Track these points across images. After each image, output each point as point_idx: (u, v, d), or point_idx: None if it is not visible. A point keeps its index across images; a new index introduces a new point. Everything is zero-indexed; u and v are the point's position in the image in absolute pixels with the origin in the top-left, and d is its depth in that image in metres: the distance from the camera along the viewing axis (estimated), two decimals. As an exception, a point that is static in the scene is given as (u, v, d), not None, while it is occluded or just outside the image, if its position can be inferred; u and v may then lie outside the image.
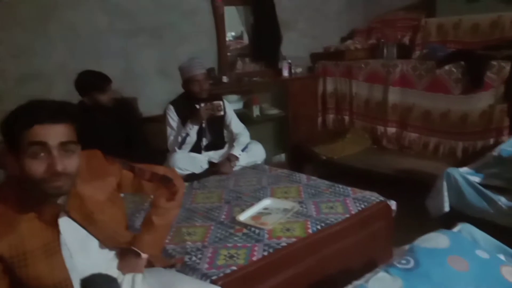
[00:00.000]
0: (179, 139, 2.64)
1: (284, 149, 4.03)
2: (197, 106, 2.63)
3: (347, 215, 1.96)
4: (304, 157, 3.83)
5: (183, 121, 2.69)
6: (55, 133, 1.03)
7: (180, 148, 2.65)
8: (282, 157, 4.03)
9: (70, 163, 1.06)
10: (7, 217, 1.07)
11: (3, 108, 2.49)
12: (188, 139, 2.64)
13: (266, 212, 2.04)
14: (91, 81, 2.46)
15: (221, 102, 2.69)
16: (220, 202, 2.24)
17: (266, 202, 2.13)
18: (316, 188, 2.32)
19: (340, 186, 2.31)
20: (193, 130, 2.64)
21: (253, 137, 3.01)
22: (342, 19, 4.53)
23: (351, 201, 2.11)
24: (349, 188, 2.26)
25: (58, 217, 1.14)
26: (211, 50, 3.70)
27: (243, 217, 1.98)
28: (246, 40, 3.97)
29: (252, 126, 3.32)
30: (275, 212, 2.03)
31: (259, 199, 2.21)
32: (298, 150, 3.91)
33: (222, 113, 2.69)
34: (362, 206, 2.05)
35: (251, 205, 2.13)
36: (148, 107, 3.35)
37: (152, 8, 3.32)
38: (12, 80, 2.81)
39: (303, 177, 2.52)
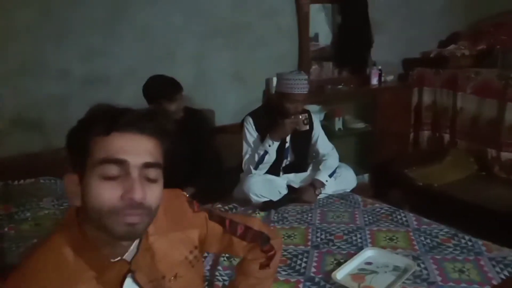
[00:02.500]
0: (256, 157, 2.24)
1: (368, 169, 3.49)
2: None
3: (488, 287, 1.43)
4: (392, 181, 3.27)
5: (263, 137, 2.28)
6: (138, 148, 0.74)
7: (256, 168, 2.25)
8: (365, 178, 3.50)
9: (151, 194, 0.74)
10: (62, 277, 0.74)
11: (67, 114, 2.11)
12: (266, 158, 2.23)
13: (370, 269, 1.57)
14: (160, 88, 2.14)
15: (307, 115, 2.25)
16: (306, 245, 1.80)
17: (368, 253, 1.66)
18: (432, 236, 1.81)
19: (466, 237, 1.76)
20: (272, 147, 2.22)
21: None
22: (441, 20, 3.88)
23: (487, 263, 1.57)
24: (479, 242, 1.72)
25: (124, 279, 0.80)
26: (291, 53, 3.28)
27: (341, 274, 1.52)
28: (322, 42, 3.49)
29: (333, 141, 2.85)
30: (382, 271, 1.55)
31: (356, 246, 1.75)
32: (385, 171, 3.35)
33: (307, 127, 2.24)
34: (506, 272, 1.50)
35: (348, 255, 1.67)
36: (220, 116, 3.02)
37: (230, 8, 2.96)
38: (78, 82, 2.58)
39: (410, 218, 2.00)
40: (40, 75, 2.45)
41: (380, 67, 3.46)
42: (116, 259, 0.78)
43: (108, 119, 0.73)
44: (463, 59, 3.41)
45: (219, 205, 2.24)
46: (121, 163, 0.71)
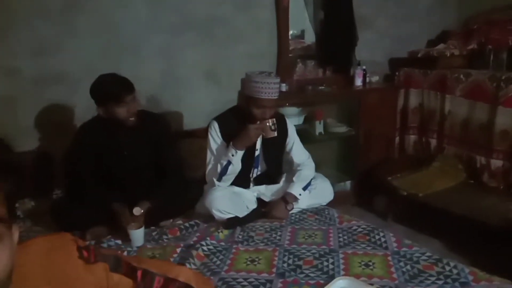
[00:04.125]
0: (219, 168, 2.00)
1: (351, 175, 3.28)
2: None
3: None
4: (376, 189, 3.07)
5: (229, 144, 2.05)
6: None
7: (219, 180, 2.01)
8: (347, 185, 3.29)
9: None
10: None
11: (16, 116, 1.87)
12: (230, 168, 1.99)
13: (340, 305, 1.36)
14: (107, 89, 1.87)
15: (274, 120, 2.00)
16: (270, 272, 1.58)
17: (340, 285, 1.44)
18: (413, 262, 1.59)
19: (451, 263, 1.55)
20: (236, 157, 1.98)
21: (313, 158, 2.31)
22: (431, 18, 3.68)
23: (474, 298, 1.36)
24: (466, 270, 1.50)
25: None
26: (270, 51, 3.05)
27: (306, 313, 1.31)
28: (308, 39, 3.27)
29: (313, 146, 2.65)
30: (354, 308, 1.33)
31: (327, 274, 1.54)
32: (369, 178, 3.14)
33: (275, 134, 2.00)
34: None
35: (317, 285, 1.45)
36: (189, 119, 2.78)
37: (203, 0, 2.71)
38: (30, 81, 2.33)
39: (389, 238, 1.79)
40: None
41: (364, 67, 3.24)
42: None
43: None
44: (453, 59, 3.20)
45: (180, 221, 2.01)
46: None
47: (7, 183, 0.60)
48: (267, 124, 1.94)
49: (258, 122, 1.96)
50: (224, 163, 1.97)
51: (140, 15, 2.55)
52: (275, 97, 1.96)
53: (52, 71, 2.37)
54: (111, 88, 1.85)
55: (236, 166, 1.98)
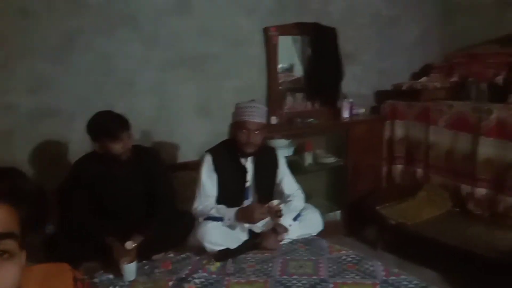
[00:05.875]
0: (210, 212, 2.06)
1: (340, 205, 3.33)
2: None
3: None
4: (365, 218, 3.13)
5: (221, 178, 2.11)
6: None
7: (205, 220, 2.07)
8: (337, 215, 3.34)
9: (1, 276, 0.59)
10: None
11: (12, 150, 1.88)
12: (220, 222, 2.07)
13: (329, 336, 1.39)
14: (103, 126, 1.94)
15: (281, 206, 2.10)
16: (262, 303, 1.61)
17: (328, 316, 1.47)
18: (400, 292, 1.63)
19: (437, 293, 1.60)
20: (230, 222, 2.07)
21: (303, 189, 2.39)
22: (414, 52, 3.84)
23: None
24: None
25: None
26: (259, 85, 3.16)
27: None
28: (296, 73, 3.39)
29: (303, 176, 2.72)
30: None
31: (317, 306, 1.57)
32: (358, 208, 3.20)
33: (280, 220, 2.10)
34: None
35: (307, 317, 1.48)
36: (184, 151, 2.85)
37: (194, 37, 2.83)
38: (26, 116, 2.38)
39: (378, 267, 1.83)
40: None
41: (351, 100, 3.36)
42: None
43: None
44: (436, 92, 3.34)
45: (172, 255, 2.03)
46: None
47: (23, 209, 0.65)
48: (273, 207, 2.03)
49: (266, 206, 2.05)
50: (217, 216, 2.05)
51: (135, 52, 2.64)
52: (259, 121, 2.05)
53: (47, 106, 2.42)
54: (107, 126, 1.92)
55: (225, 223, 2.05)
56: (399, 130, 3.40)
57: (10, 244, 0.60)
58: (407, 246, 2.81)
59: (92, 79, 2.53)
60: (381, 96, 3.60)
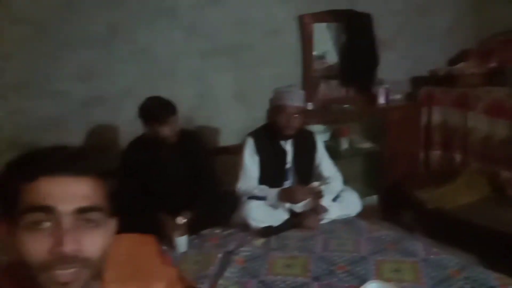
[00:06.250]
0: (252, 193, 2.15)
1: (377, 190, 3.36)
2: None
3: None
4: (402, 203, 3.14)
5: (262, 159, 2.19)
6: (69, 193, 0.65)
7: (249, 199, 2.16)
8: (374, 199, 3.37)
9: (90, 243, 0.66)
10: None
11: (64, 136, 2.04)
12: (263, 200, 2.17)
13: (374, 305, 1.45)
14: (152, 111, 2.07)
15: (322, 188, 2.18)
16: (306, 276, 1.69)
17: (372, 287, 1.53)
18: (441, 268, 1.68)
19: (478, 269, 1.63)
20: (273, 201, 2.16)
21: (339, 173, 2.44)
22: (450, 38, 3.79)
23: (502, 300, 1.44)
24: (492, 276, 1.58)
25: None
26: (294, 72, 3.21)
27: (342, 311, 1.41)
28: (329, 60, 3.42)
29: (339, 161, 2.75)
30: (387, 308, 1.43)
31: (360, 279, 1.63)
32: (395, 193, 3.22)
33: (321, 201, 2.18)
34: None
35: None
36: (225, 136, 2.96)
37: (232, 27, 2.91)
38: (76, 103, 2.53)
39: (418, 246, 1.88)
40: (36, 96, 2.41)
41: (387, 86, 3.36)
42: None
43: (34, 162, 0.66)
44: (473, 78, 3.29)
45: (218, 230, 2.14)
46: (49, 210, 0.63)
47: (109, 182, 0.71)
48: (314, 190, 2.12)
49: (307, 188, 2.15)
50: (261, 195, 2.14)
51: (175, 42, 2.75)
52: (297, 104, 2.13)
53: (96, 94, 2.56)
54: (156, 110, 2.05)
55: (269, 202, 2.14)
56: (436, 116, 3.38)
57: (95, 215, 0.67)
58: (444, 230, 2.81)
59: (136, 68, 2.65)
60: (417, 82, 3.58)
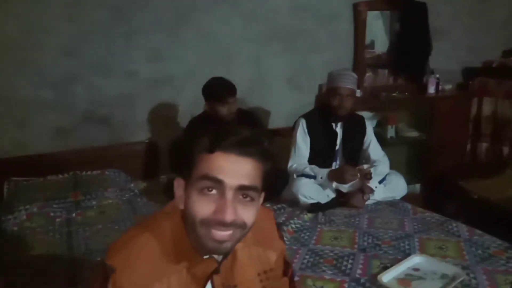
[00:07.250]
0: (303, 171, 2.30)
1: (420, 179, 3.41)
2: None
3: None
4: (446, 192, 3.18)
5: (314, 141, 2.34)
6: (237, 170, 0.79)
7: (299, 176, 2.31)
8: (417, 188, 3.42)
9: (244, 214, 0.80)
10: (161, 263, 0.84)
11: (133, 112, 2.30)
12: (313, 179, 2.30)
13: (417, 275, 1.57)
14: (214, 90, 2.28)
15: (371, 170, 2.30)
16: (353, 247, 1.83)
17: (416, 260, 1.66)
18: (484, 248, 1.76)
19: (521, 251, 1.71)
20: (322, 180, 2.29)
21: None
22: (506, 29, 3.72)
23: (542, 279, 1.52)
24: (533, 256, 1.66)
25: (210, 277, 0.88)
26: (346, 60, 3.30)
27: (387, 277, 1.54)
28: (377, 49, 3.48)
29: (384, 149, 2.83)
30: (430, 278, 1.55)
31: (404, 253, 1.75)
32: (439, 182, 3.27)
33: (369, 182, 2.28)
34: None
35: (395, 260, 1.68)
36: (274, 118, 3.12)
37: (288, 13, 3.04)
38: (143, 82, 2.77)
39: (462, 228, 1.97)
40: (109, 75, 2.66)
41: (438, 76, 3.38)
42: (206, 256, 0.86)
43: (215, 137, 0.80)
44: (529, 70, 3.25)
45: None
46: (219, 182, 0.78)
47: (268, 165, 0.87)
48: (363, 171, 2.24)
49: (357, 168, 2.27)
50: (311, 173, 2.28)
51: (234, 28, 2.92)
52: (350, 87, 2.26)
53: (162, 75, 2.79)
54: (217, 90, 2.24)
55: (317, 181, 2.28)
56: (487, 108, 3.37)
57: (252, 193, 0.80)
58: (488, 220, 2.84)
59: (198, 52, 2.85)
60: (470, 72, 3.57)
